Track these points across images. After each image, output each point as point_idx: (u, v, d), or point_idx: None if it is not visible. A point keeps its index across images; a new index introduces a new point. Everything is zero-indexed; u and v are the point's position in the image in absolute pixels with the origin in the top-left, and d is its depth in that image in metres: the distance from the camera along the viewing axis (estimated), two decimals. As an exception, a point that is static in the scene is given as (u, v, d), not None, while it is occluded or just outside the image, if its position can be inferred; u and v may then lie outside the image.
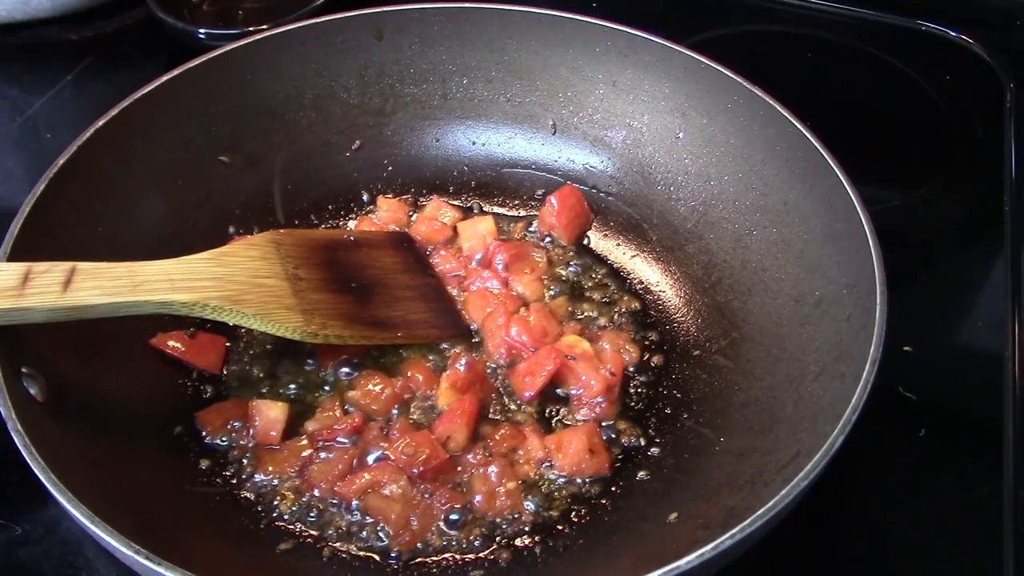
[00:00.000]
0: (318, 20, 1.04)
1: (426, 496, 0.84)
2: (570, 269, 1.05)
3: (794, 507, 0.69)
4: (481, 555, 0.82)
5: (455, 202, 1.10)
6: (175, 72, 0.96)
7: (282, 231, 0.96)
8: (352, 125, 1.09)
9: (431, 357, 0.95)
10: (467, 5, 1.05)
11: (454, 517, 0.83)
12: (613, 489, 0.86)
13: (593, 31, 1.02)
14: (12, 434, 0.69)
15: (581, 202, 1.06)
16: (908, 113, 1.31)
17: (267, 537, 0.83)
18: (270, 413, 0.89)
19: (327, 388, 0.93)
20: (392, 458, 0.85)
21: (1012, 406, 0.94)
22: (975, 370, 1.00)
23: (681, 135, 1.03)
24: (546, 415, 0.92)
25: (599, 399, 0.91)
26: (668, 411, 0.92)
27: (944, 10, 1.40)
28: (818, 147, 0.89)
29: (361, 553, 0.82)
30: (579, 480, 0.86)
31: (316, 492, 0.85)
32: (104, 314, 0.78)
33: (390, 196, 1.10)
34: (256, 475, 0.86)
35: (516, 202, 1.12)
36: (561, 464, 0.86)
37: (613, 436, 0.90)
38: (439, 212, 1.08)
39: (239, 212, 0.93)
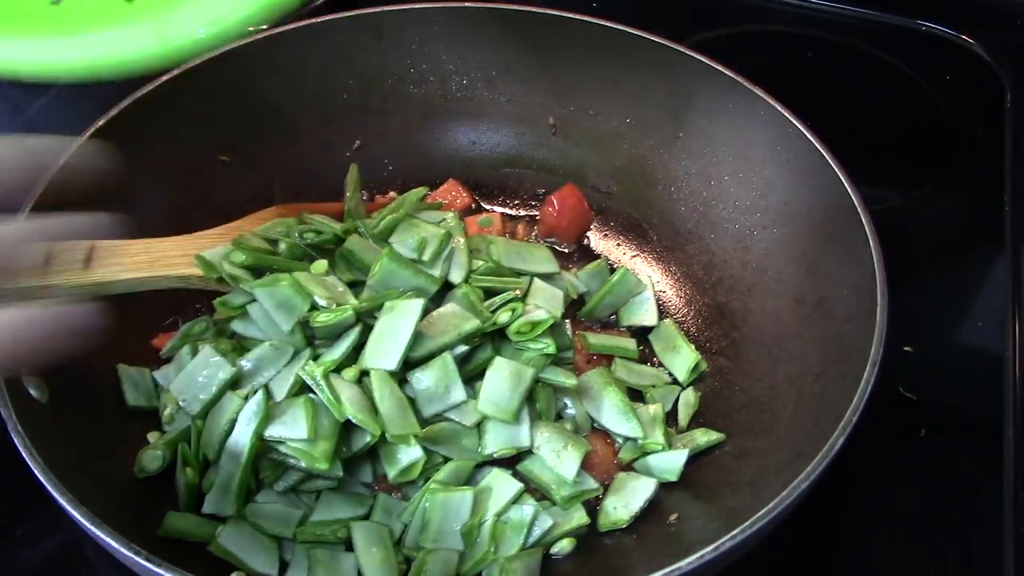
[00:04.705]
0: (318, 20, 1.03)
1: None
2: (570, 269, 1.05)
3: (794, 507, 0.69)
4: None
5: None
6: (175, 72, 0.96)
7: (289, 205, 0.97)
8: (352, 125, 1.09)
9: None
10: (467, 5, 1.04)
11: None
12: (613, 489, 0.86)
13: (593, 31, 1.02)
14: (12, 435, 0.69)
15: (581, 202, 1.06)
16: (908, 113, 1.31)
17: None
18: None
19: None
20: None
21: (1012, 406, 0.94)
22: (975, 370, 1.00)
23: (681, 135, 1.03)
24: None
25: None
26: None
27: (944, 10, 1.40)
28: (818, 147, 0.89)
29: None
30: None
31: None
32: (125, 290, 0.79)
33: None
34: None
35: (516, 202, 1.12)
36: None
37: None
38: (450, 194, 1.08)
39: (239, 212, 0.93)
